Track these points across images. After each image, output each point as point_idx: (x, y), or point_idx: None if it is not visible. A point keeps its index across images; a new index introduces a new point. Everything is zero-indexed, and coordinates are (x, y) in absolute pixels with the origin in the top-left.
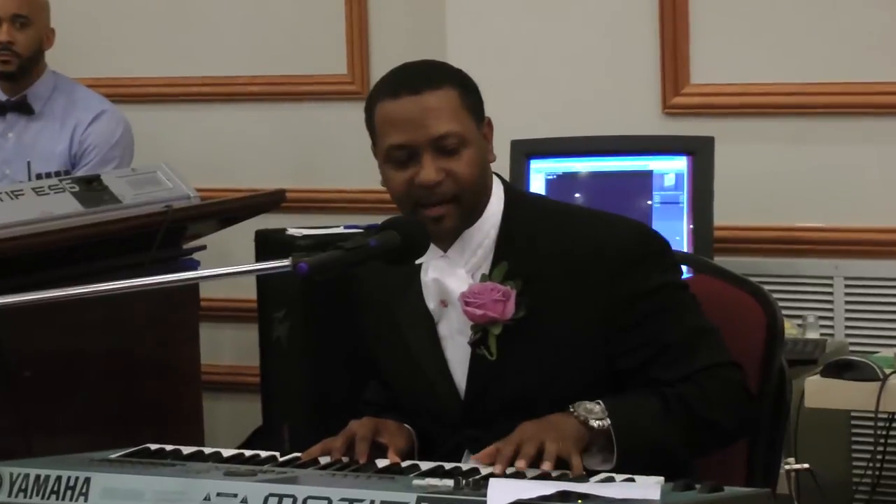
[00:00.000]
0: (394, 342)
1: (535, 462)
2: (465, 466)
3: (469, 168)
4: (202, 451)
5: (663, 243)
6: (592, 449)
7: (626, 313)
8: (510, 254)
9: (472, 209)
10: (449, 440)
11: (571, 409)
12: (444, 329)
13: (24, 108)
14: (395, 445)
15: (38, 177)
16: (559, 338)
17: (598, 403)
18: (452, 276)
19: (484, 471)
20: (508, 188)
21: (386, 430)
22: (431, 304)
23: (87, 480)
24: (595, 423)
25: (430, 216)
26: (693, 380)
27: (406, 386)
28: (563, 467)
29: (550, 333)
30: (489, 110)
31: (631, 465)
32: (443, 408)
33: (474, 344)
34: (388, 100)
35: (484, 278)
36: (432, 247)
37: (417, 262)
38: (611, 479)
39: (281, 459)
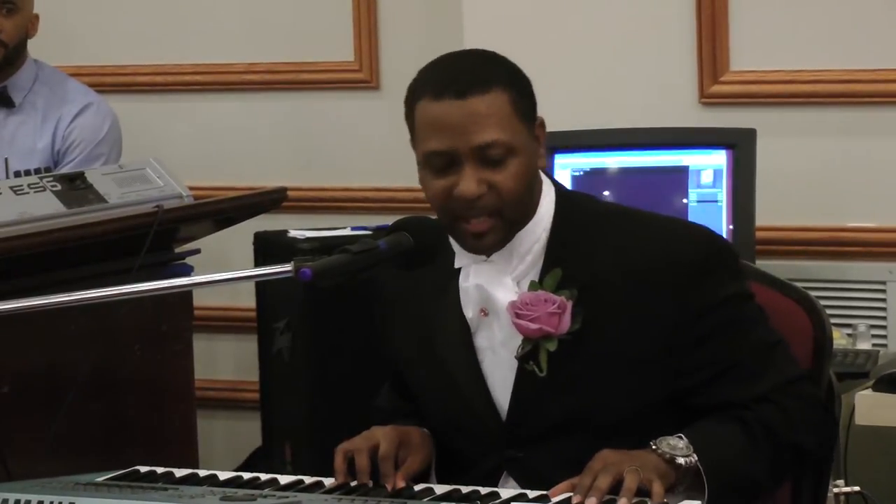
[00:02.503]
0: (424, 352)
1: (613, 493)
2: (483, 490)
3: (514, 180)
4: (196, 474)
5: (732, 251)
6: (678, 489)
7: (691, 328)
8: (563, 260)
9: (517, 222)
10: (485, 461)
11: (654, 446)
12: (482, 340)
13: (2, 101)
14: (409, 466)
15: (17, 174)
16: (616, 353)
17: (681, 438)
18: (497, 284)
19: (504, 495)
20: (560, 189)
21: (407, 444)
22: (470, 312)
23: None
24: (682, 461)
25: (471, 231)
26: (771, 399)
27: (438, 401)
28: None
29: (606, 348)
30: None
31: (717, 500)
32: (480, 427)
33: (522, 358)
34: (429, 100)
35: (534, 286)
36: None
37: (457, 265)
38: None
39: (282, 483)
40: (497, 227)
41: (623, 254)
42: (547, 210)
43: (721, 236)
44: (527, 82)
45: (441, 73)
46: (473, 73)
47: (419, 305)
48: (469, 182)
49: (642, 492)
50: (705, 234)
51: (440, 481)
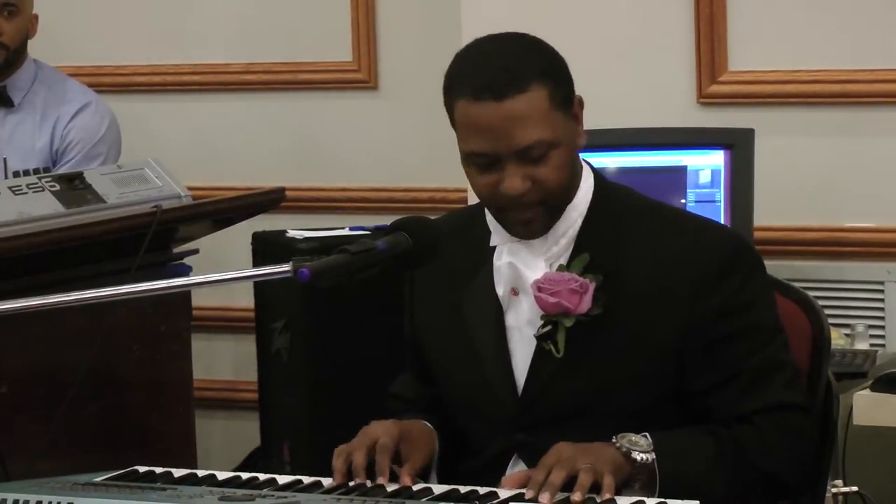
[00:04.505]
0: (453, 328)
1: (566, 488)
2: (482, 490)
3: (557, 172)
4: (195, 474)
5: (758, 257)
6: (634, 485)
7: (709, 328)
8: (593, 246)
9: (562, 206)
10: (497, 443)
11: (614, 440)
12: (511, 319)
13: (2, 100)
14: (412, 463)
15: (16, 174)
16: (633, 345)
17: (645, 436)
18: (530, 264)
19: (502, 495)
20: (598, 177)
21: (408, 439)
22: (501, 290)
23: None
24: (638, 457)
25: (519, 219)
26: (754, 423)
27: (460, 377)
28: (595, 491)
29: (624, 338)
30: None
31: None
32: (496, 406)
33: (541, 337)
34: (468, 100)
35: (562, 268)
36: None
37: (492, 244)
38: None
39: (281, 483)
40: (542, 215)
41: (651, 247)
42: (584, 196)
43: (748, 241)
44: (563, 68)
45: (478, 70)
46: (510, 71)
47: (451, 282)
48: (513, 180)
49: (596, 487)
50: (732, 236)
51: (450, 465)
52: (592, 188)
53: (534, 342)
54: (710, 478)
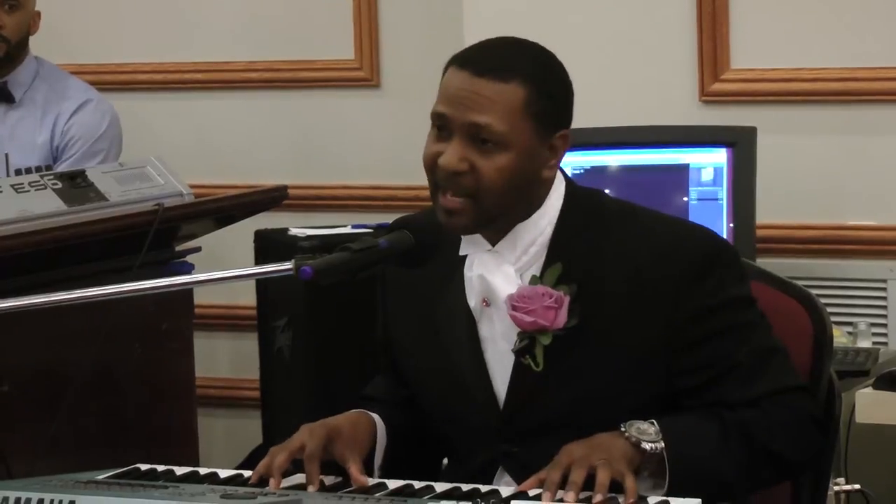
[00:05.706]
0: (428, 339)
1: (585, 487)
2: (483, 488)
3: (497, 172)
4: (197, 472)
5: (735, 252)
6: (643, 473)
7: (691, 328)
8: (565, 255)
9: (497, 214)
10: (481, 454)
11: (623, 429)
12: (485, 330)
13: (3, 96)
14: (353, 462)
15: (18, 172)
16: (614, 351)
17: (653, 424)
18: (499, 274)
19: (504, 492)
20: (570, 183)
21: (339, 438)
22: (472, 301)
23: None
24: (648, 446)
25: (443, 206)
26: (758, 406)
27: (438, 390)
28: (615, 489)
29: (605, 346)
30: None
31: (682, 492)
32: (478, 417)
33: (519, 352)
34: (455, 66)
35: (534, 280)
36: (479, 238)
37: (461, 253)
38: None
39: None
40: (469, 209)
41: (625, 252)
42: (554, 204)
43: (723, 238)
44: (560, 91)
45: (477, 49)
46: (501, 60)
47: (423, 292)
48: (451, 155)
49: (614, 484)
50: (707, 236)
51: (435, 472)
52: (563, 195)
53: (511, 355)
54: (718, 462)
